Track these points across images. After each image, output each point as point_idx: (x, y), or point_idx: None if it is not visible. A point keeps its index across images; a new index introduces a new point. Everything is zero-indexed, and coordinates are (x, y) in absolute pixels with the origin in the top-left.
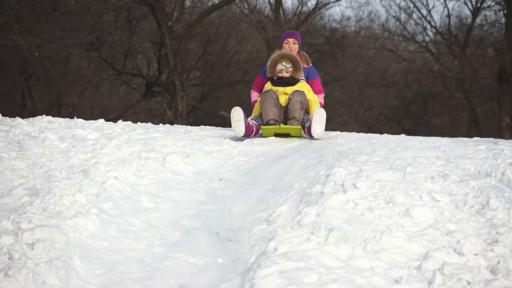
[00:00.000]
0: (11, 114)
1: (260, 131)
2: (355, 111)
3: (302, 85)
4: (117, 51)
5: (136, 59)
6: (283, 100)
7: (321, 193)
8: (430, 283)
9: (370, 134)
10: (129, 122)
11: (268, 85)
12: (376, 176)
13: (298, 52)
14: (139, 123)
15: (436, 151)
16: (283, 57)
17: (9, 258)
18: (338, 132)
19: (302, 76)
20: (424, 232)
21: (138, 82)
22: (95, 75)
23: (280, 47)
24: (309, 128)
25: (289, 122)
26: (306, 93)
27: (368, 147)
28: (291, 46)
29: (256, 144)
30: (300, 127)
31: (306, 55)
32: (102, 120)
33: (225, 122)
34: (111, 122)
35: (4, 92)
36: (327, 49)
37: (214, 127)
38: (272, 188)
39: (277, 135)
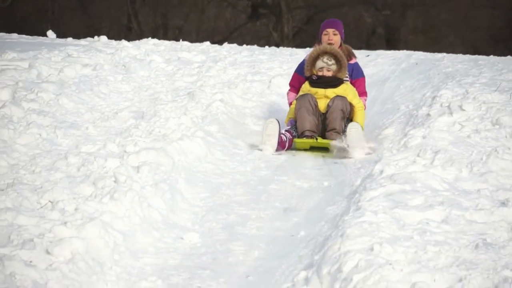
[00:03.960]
0: (117, 37)
1: (293, 144)
2: (461, 33)
3: (347, 88)
4: None
5: None
6: (322, 105)
7: (427, 115)
8: None
9: (476, 56)
10: (235, 45)
11: (306, 86)
12: (483, 98)
13: (340, 45)
14: (244, 45)
15: None
16: (325, 53)
17: (115, 181)
18: (445, 54)
19: (347, 76)
20: None
21: (244, 4)
22: None
23: (320, 40)
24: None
25: (328, 134)
26: (350, 98)
27: (474, 68)
28: (331, 37)
29: (361, 67)
30: None
31: (350, 48)
32: (207, 43)
33: None
34: (216, 45)
35: (110, 15)
36: None
37: None
38: (378, 110)
39: (312, 147)
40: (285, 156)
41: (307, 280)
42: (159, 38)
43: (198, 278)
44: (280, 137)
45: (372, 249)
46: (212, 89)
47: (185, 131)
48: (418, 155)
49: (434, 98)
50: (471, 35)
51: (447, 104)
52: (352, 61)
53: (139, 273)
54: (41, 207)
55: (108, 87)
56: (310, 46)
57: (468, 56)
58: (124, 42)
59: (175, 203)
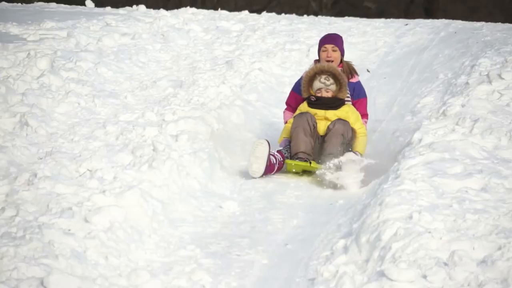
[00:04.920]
0: (156, 6)
1: (284, 166)
2: (500, 2)
3: (349, 110)
4: None
5: None
6: (322, 127)
7: (466, 84)
8: None
9: None
10: (273, 14)
11: (304, 107)
12: None
13: (341, 62)
14: (283, 14)
15: None
16: (322, 72)
17: (154, 150)
18: (483, 22)
19: (348, 95)
20: None
21: None
22: None
23: (318, 56)
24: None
25: (324, 158)
26: (352, 121)
27: None
28: (330, 54)
29: (399, 36)
30: None
31: (352, 64)
32: (246, 12)
33: (370, 13)
34: (255, 14)
35: None
36: None
37: (358, 18)
38: (417, 79)
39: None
40: None
41: (345, 249)
42: (198, 7)
43: (237, 246)
44: (269, 160)
45: (411, 217)
46: (250, 58)
47: (223, 100)
48: (457, 124)
49: (473, 66)
50: (510, 4)
51: (486, 73)
52: (354, 80)
53: (178, 242)
54: (80, 176)
55: (147, 56)
56: (349, 15)
57: (507, 25)
58: (162, 11)
59: (213, 171)
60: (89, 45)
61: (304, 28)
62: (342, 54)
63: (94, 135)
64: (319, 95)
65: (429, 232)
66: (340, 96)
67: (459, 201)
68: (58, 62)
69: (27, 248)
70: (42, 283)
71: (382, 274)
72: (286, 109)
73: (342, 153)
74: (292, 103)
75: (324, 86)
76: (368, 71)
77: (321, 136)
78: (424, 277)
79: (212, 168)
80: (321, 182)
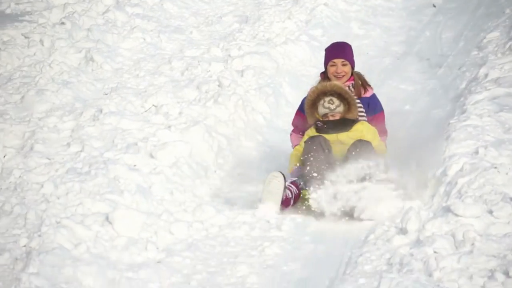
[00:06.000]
0: None
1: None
2: None
3: (363, 129)
4: None
5: None
6: (338, 151)
7: None
8: None
9: None
10: None
11: (312, 131)
12: None
13: (352, 75)
14: None
15: None
16: (324, 94)
17: (219, 85)
18: None
19: (362, 111)
20: None
21: None
22: None
23: (325, 69)
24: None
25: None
26: (370, 139)
27: None
28: (340, 70)
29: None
30: None
31: (363, 76)
32: None
33: None
34: None
35: None
36: None
37: None
38: (483, 13)
39: None
40: (388, 59)
41: None
42: None
43: None
44: (284, 194)
45: (477, 152)
46: None
47: (289, 35)
48: None
49: None
50: None
51: None
52: (367, 94)
53: (242, 177)
54: (145, 111)
55: None
56: None
57: None
58: None
59: (279, 107)
60: None
61: None
62: (353, 66)
63: (159, 70)
64: (326, 119)
65: (495, 167)
66: (350, 116)
67: None
68: None
69: (92, 183)
70: (107, 218)
71: (448, 209)
72: (292, 131)
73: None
74: (299, 125)
75: (330, 111)
76: (434, 6)
77: (338, 160)
78: (490, 212)
79: (277, 103)
80: None
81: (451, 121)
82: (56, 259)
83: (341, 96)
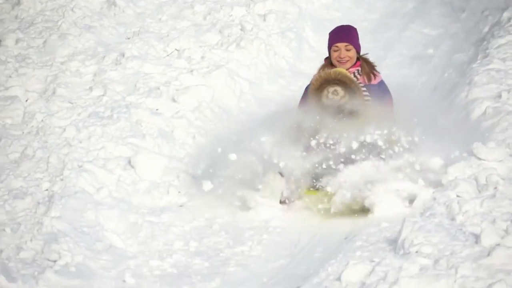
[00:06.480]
0: None
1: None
2: None
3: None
4: None
5: None
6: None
7: None
8: None
9: None
10: None
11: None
12: None
13: (358, 59)
14: None
15: None
16: (328, 83)
17: (241, 30)
18: None
19: (368, 97)
20: None
21: None
22: None
23: (329, 55)
24: None
25: None
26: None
27: None
28: (344, 55)
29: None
30: None
31: (370, 61)
32: None
33: None
34: None
35: None
36: None
37: None
38: None
39: None
40: (411, 2)
41: None
42: None
43: None
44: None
45: (500, 96)
46: None
47: None
48: None
49: None
50: None
51: None
52: (375, 81)
53: (265, 120)
54: (167, 55)
55: None
56: None
57: None
58: None
59: (301, 51)
60: None
61: None
62: (358, 51)
63: (182, 14)
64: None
65: None
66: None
67: None
68: None
69: (114, 127)
70: (129, 162)
71: (471, 153)
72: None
73: None
74: None
75: (334, 103)
76: None
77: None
78: None
79: (300, 47)
80: None
81: (474, 65)
82: (78, 203)
83: (346, 85)
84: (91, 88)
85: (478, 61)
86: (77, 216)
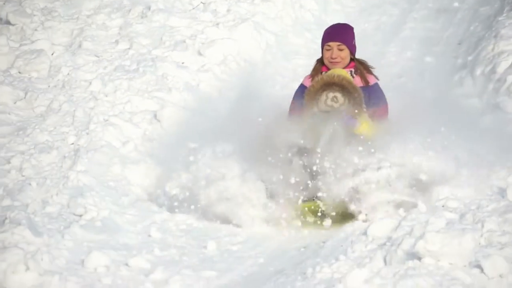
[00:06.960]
0: None
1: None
2: None
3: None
4: None
5: None
6: None
7: None
8: None
9: None
10: None
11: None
12: None
13: (352, 60)
14: None
15: None
16: (328, 86)
17: None
18: None
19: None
20: None
21: None
22: None
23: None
24: None
25: None
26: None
27: None
28: (335, 55)
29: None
30: None
31: (366, 62)
32: None
33: None
34: None
35: None
36: None
37: None
38: None
39: None
40: None
41: (460, 81)
42: None
43: None
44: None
45: None
46: None
47: None
48: None
49: None
50: None
51: None
52: (370, 82)
53: (292, 74)
54: (193, 9)
55: None
56: None
57: None
58: None
59: (327, 4)
60: None
61: None
62: (353, 52)
63: None
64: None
65: None
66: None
67: None
68: None
69: (140, 81)
70: (155, 116)
71: (497, 106)
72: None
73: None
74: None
75: (332, 110)
76: None
77: None
78: None
79: (326, 0)
80: None
81: (500, 18)
82: (104, 157)
83: (348, 92)
84: (117, 42)
85: (504, 14)
86: (103, 170)
